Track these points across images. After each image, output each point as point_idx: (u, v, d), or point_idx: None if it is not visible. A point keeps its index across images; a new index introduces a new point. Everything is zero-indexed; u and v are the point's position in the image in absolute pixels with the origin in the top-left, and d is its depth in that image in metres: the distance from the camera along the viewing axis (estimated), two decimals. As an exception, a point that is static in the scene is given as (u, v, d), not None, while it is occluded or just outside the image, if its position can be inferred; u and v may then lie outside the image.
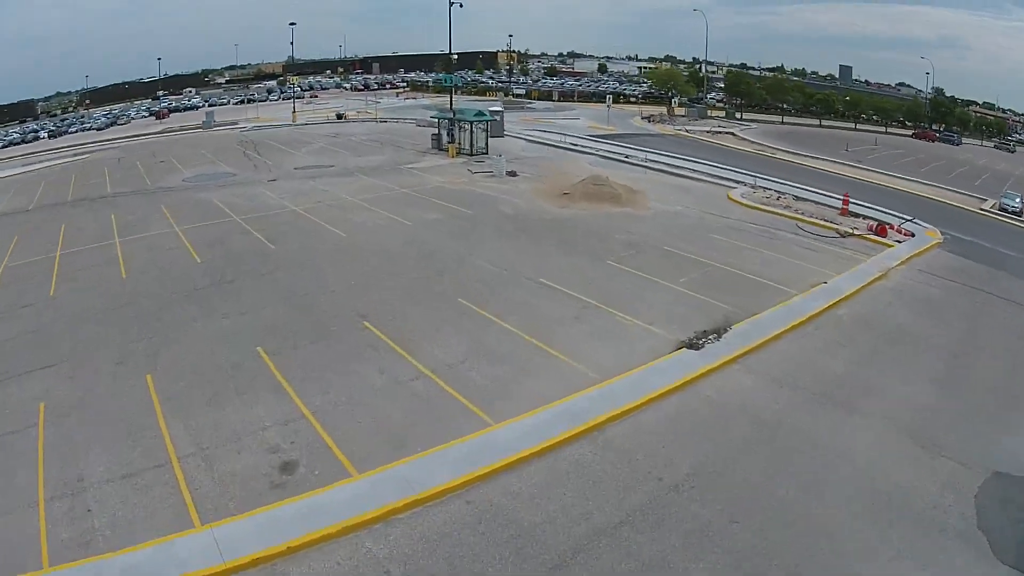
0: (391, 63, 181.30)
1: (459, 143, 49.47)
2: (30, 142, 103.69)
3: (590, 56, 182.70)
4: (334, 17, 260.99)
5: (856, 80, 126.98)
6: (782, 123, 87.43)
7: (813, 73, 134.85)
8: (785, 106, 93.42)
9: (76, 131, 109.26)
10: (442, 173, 43.19)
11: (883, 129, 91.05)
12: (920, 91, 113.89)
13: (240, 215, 33.29)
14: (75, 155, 68.65)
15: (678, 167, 45.69)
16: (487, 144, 49.41)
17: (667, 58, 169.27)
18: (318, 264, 24.93)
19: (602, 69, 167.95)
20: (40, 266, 27.18)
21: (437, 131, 52.52)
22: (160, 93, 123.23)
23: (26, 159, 73.58)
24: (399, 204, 34.44)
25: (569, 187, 36.62)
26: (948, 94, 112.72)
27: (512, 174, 41.63)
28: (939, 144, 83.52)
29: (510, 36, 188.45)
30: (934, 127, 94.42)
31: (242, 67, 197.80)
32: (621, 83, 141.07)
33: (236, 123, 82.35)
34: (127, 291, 23.10)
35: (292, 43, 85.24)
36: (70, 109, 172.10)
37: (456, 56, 66.22)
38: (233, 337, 18.83)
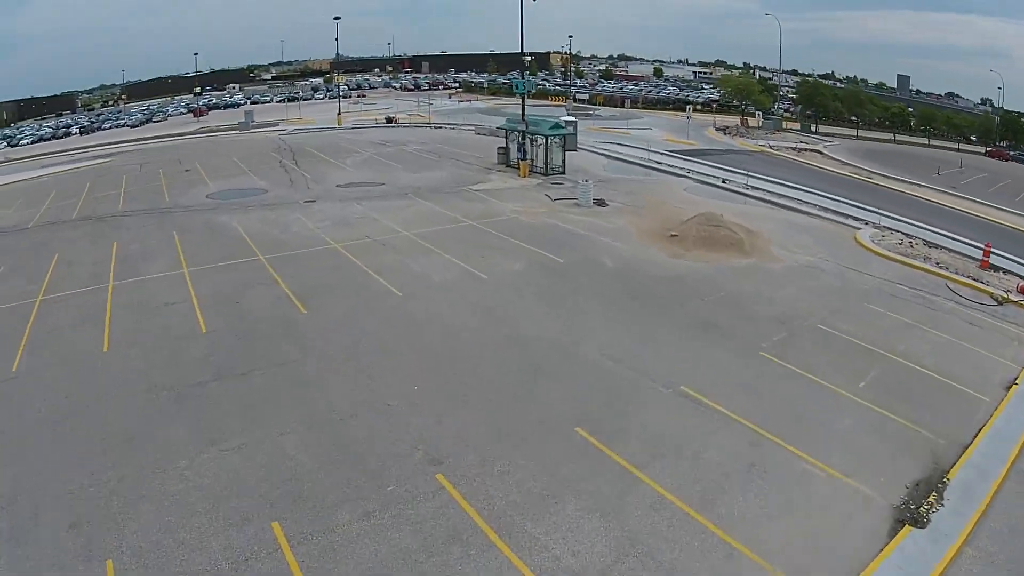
0: (441, 62, 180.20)
1: (531, 159, 42.91)
2: (61, 138, 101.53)
3: (640, 59, 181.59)
4: (382, 14, 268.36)
5: (910, 91, 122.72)
6: (857, 137, 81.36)
7: (863, 81, 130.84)
8: (855, 119, 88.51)
9: (110, 127, 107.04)
10: (515, 199, 36.58)
11: (956, 146, 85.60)
12: (977, 103, 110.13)
13: (267, 252, 27.26)
14: (98, 157, 64.82)
15: (784, 196, 39.13)
16: (564, 162, 42.89)
17: (718, 62, 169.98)
18: (365, 349, 18.44)
19: (658, 73, 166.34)
20: (13, 317, 21.98)
21: (505, 144, 45.96)
22: (197, 89, 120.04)
23: (51, 158, 70.57)
24: (468, 244, 27.94)
25: (677, 226, 29.82)
26: (996, 105, 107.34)
27: (600, 203, 34.90)
28: (1014, 164, 76.66)
29: (570, 37, 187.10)
30: (1003, 144, 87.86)
31: (288, 63, 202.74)
32: (681, 88, 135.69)
33: (277, 124, 77.95)
34: (99, 381, 16.98)
35: (337, 39, 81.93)
36: (110, 103, 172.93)
37: (531, 57, 60.06)
38: (234, 497, 12.37)
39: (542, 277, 24.15)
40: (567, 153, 43.72)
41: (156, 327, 20.26)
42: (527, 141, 43.20)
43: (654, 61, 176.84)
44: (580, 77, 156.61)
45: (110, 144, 76.49)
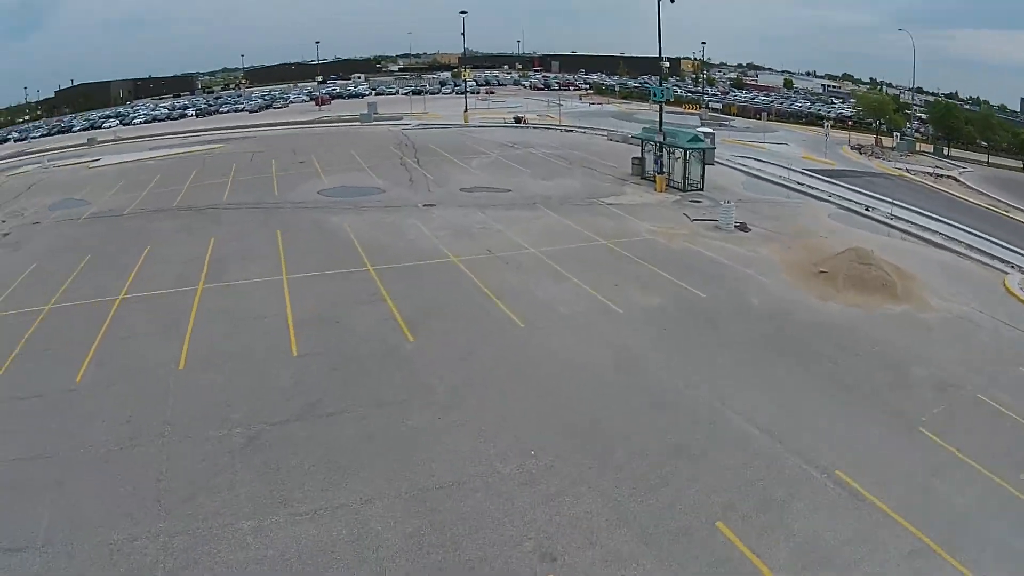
0: (571, 62, 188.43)
1: (668, 173, 42.19)
2: (175, 119, 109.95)
3: (769, 69, 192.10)
4: (513, 11, 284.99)
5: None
6: (988, 163, 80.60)
7: (984, 102, 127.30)
8: (985, 144, 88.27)
9: (227, 111, 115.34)
10: (652, 217, 34.80)
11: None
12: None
13: (377, 262, 26.80)
14: (210, 142, 69.27)
15: (928, 230, 37.51)
16: (703, 177, 42.32)
17: (844, 76, 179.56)
18: (478, 395, 17.02)
19: (788, 85, 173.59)
20: (89, 318, 22.76)
21: (641, 155, 45.62)
22: (319, 77, 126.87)
23: (162, 140, 75.75)
24: (600, 268, 26.34)
25: (826, 261, 27.93)
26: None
27: (742, 227, 33.07)
28: None
29: (703, 43, 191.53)
30: None
31: (416, 56, 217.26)
32: (811, 102, 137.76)
33: (401, 118, 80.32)
34: (168, 406, 16.66)
35: (463, 34, 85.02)
36: (231, 86, 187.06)
37: (667, 63, 58.29)
38: (301, 577, 11.18)
39: (683, 316, 22.14)
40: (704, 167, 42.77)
41: (241, 345, 19.96)
42: (665, 153, 42.33)
43: (782, 72, 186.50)
44: (711, 85, 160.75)
45: (225, 129, 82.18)
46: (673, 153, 42.38)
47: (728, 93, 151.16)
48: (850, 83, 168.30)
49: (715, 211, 35.00)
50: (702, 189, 41.50)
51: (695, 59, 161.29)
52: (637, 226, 32.90)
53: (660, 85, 49.91)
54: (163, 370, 18.57)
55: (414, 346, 19.57)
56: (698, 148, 42.44)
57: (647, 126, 49.34)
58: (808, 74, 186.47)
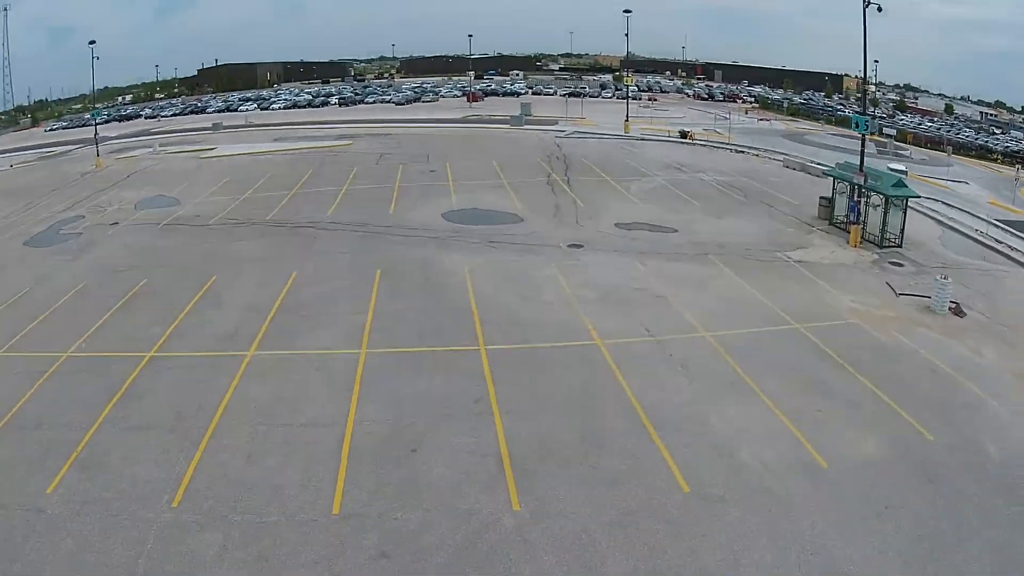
0: (733, 72, 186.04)
1: (863, 221, 34.89)
2: (317, 107, 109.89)
3: (926, 92, 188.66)
4: (677, 16, 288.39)
5: None
6: None
7: None
8: None
9: (372, 102, 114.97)
10: (848, 284, 26.95)
11: None
12: None
13: (494, 338, 20.86)
14: (342, 137, 66.74)
15: None
16: (902, 231, 34.89)
17: (997, 103, 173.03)
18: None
19: (948, 110, 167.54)
20: (98, 387, 18.85)
21: (831, 196, 38.06)
22: (471, 72, 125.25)
23: (292, 129, 75.20)
24: (795, 378, 18.86)
25: None
26: None
27: (956, 310, 24.71)
28: None
29: (876, 62, 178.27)
30: None
31: (577, 56, 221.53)
32: (976, 132, 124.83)
33: (555, 122, 75.48)
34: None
35: (627, 34, 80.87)
36: (384, 76, 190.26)
37: (873, 89, 50.41)
38: None
39: (911, 483, 14.43)
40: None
41: (265, 477, 14.42)
42: (863, 199, 34.87)
43: (938, 95, 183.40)
44: (875, 106, 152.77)
45: (363, 122, 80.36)
46: (871, 199, 35.23)
47: (893, 116, 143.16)
48: (1004, 111, 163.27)
49: (921, 281, 27.16)
50: (900, 245, 33.83)
51: (858, 77, 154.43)
52: (834, 300, 25.28)
53: (864, 113, 41.69)
54: (147, 509, 13.46)
55: (516, 523, 13.15)
56: (901, 196, 34.99)
57: (841, 162, 42.44)
58: (964, 99, 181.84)
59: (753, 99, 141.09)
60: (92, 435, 16.44)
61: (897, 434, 16.45)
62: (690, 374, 19.10)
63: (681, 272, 27.62)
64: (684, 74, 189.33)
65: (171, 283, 26.59)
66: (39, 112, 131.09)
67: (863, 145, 38.37)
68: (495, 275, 26.57)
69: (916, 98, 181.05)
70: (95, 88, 70.88)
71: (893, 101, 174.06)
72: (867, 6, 35.67)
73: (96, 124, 66.16)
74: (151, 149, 61.73)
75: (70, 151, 68.99)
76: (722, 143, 65.59)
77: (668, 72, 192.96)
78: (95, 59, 60.85)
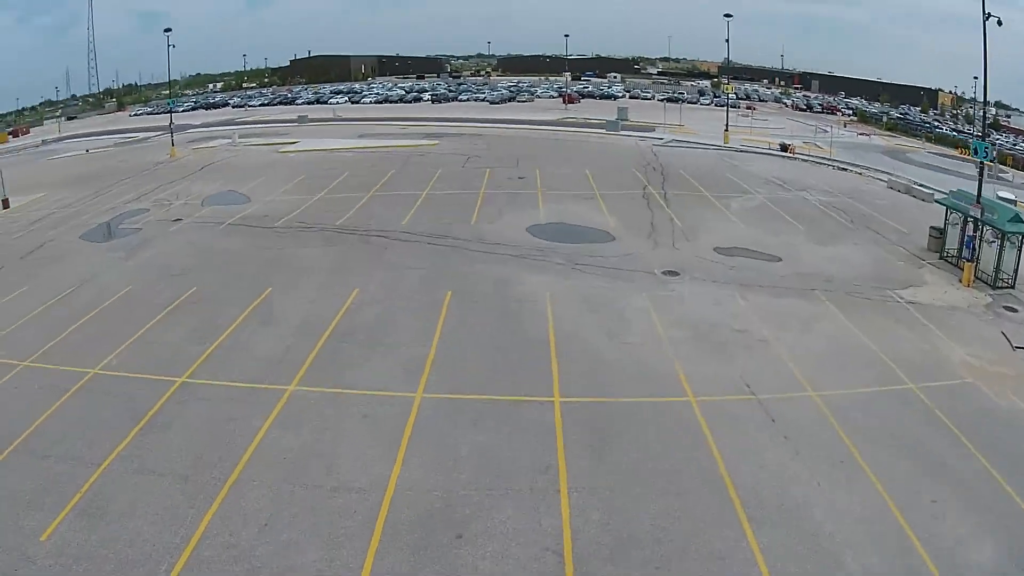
0: (829, 83, 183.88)
1: (976, 256, 31.32)
2: (408, 103, 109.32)
3: (1017, 110, 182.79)
4: (776, 24, 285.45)
5: None
6: None
7: None
8: None
9: (467, 99, 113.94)
10: (961, 332, 23.32)
11: None
12: None
13: (571, 386, 18.34)
14: (428, 136, 65.32)
15: None
16: (1016, 271, 31.47)
17: None
18: None
19: None
20: (121, 413, 17.47)
21: (942, 227, 34.24)
22: (567, 74, 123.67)
23: (379, 125, 74.67)
24: (908, 453, 15.83)
25: None
26: None
27: None
28: None
29: (975, 79, 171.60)
30: None
31: (675, 60, 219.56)
32: None
33: (653, 129, 72.70)
34: None
35: (728, 40, 79.61)
36: (481, 73, 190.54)
37: (970, 107, 46.49)
38: None
39: None
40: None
41: (277, 562, 12.22)
42: (978, 233, 31.31)
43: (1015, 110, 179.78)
44: (969, 123, 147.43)
45: (454, 121, 79.05)
46: (987, 233, 31.72)
47: (989, 136, 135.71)
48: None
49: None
50: (1013, 286, 30.15)
51: (952, 93, 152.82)
52: (948, 350, 21.81)
53: (984, 139, 37.72)
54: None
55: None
56: (1019, 232, 31.42)
57: (954, 190, 38.58)
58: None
59: (851, 112, 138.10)
60: (100, 474, 15.01)
61: (1019, 537, 13.41)
62: (794, 446, 16.17)
63: (785, 310, 24.60)
64: (783, 83, 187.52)
65: (223, 292, 25.13)
66: (127, 96, 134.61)
67: (981, 174, 34.74)
68: (579, 304, 24.00)
69: (1008, 116, 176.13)
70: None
71: (989, 121, 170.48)
72: (987, 19, 32.26)
73: (172, 112, 66.26)
74: (230, 140, 61.75)
75: (149, 138, 69.73)
76: (823, 158, 61.93)
77: (765, 80, 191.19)
78: (171, 47, 61.33)
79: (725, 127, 70.88)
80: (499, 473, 14.76)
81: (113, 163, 54.66)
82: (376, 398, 17.65)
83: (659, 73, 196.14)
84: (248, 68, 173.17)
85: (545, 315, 22.94)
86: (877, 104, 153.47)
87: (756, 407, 17.82)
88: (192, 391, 18.19)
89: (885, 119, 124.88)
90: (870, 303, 25.80)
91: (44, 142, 79.54)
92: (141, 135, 71.81)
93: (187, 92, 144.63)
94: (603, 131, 70.54)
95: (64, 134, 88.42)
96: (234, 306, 23.55)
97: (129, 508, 13.73)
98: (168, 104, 71.20)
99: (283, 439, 15.92)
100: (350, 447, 15.60)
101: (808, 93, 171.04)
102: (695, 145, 64.26)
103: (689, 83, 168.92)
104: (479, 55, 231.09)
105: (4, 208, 42.38)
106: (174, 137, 59.45)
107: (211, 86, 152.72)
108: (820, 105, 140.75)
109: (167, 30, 60.90)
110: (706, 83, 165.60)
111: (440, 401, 17.53)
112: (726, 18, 75.34)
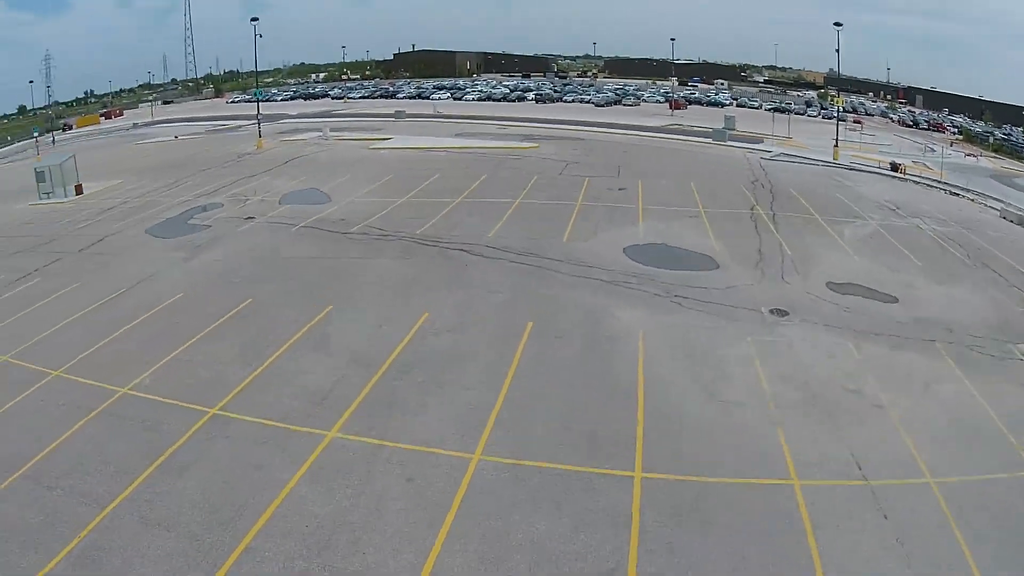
0: (933, 99, 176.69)
1: None
2: (513, 102, 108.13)
3: None
4: (885, 37, 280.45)
5: None
6: None
7: None
8: None
9: (571, 101, 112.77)
10: None
11: None
12: None
13: (654, 456, 15.73)
14: (528, 138, 63.82)
15: None
16: None
17: None
18: None
19: None
20: (138, 448, 16.10)
21: None
22: (673, 79, 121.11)
23: (478, 124, 74.04)
24: None
25: None
26: None
27: None
28: None
29: None
30: None
31: (781, 69, 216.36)
32: None
33: (760, 140, 69.64)
34: None
35: (838, 50, 77.90)
36: (588, 74, 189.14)
37: None
38: None
39: None
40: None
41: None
42: None
43: None
44: None
45: (557, 123, 77.15)
46: None
47: None
48: None
49: None
50: None
51: None
52: None
53: None
54: None
55: None
56: None
57: None
58: None
59: (957, 130, 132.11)
60: (104, 517, 13.62)
61: None
62: (907, 552, 13.18)
63: (903, 366, 21.33)
64: (888, 97, 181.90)
65: (280, 306, 23.51)
66: (226, 83, 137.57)
67: None
68: (676, 348, 21.28)
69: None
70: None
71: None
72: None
73: (260, 102, 66.25)
74: (320, 133, 61.19)
75: (242, 127, 69.75)
76: (933, 180, 57.50)
77: (870, 93, 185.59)
78: (258, 36, 61.73)
79: (835, 142, 67.20)
80: (557, 573, 12.40)
81: (198, 152, 54.68)
82: (426, 457, 15.40)
83: (765, 81, 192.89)
84: (347, 60, 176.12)
85: (635, 359, 20.32)
86: (980, 123, 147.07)
87: (868, 497, 14.86)
88: (222, 426, 16.44)
89: (991, 139, 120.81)
90: (992, 361, 22.28)
91: (135, 125, 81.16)
92: (234, 123, 72.23)
93: (288, 81, 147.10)
94: (709, 140, 67.55)
95: (157, 118, 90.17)
96: (289, 324, 21.88)
97: (125, 566, 12.12)
98: (255, 94, 71.45)
99: (311, 500, 13.86)
100: (385, 520, 13.36)
101: (913, 108, 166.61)
102: (804, 160, 60.72)
103: (795, 93, 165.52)
104: (586, 56, 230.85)
105: (77, 194, 42.33)
106: (264, 128, 59.21)
107: (313, 76, 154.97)
108: (926, 122, 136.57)
109: (254, 19, 61.04)
110: (812, 94, 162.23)
111: (499, 467, 15.13)
112: (836, 27, 72.91)
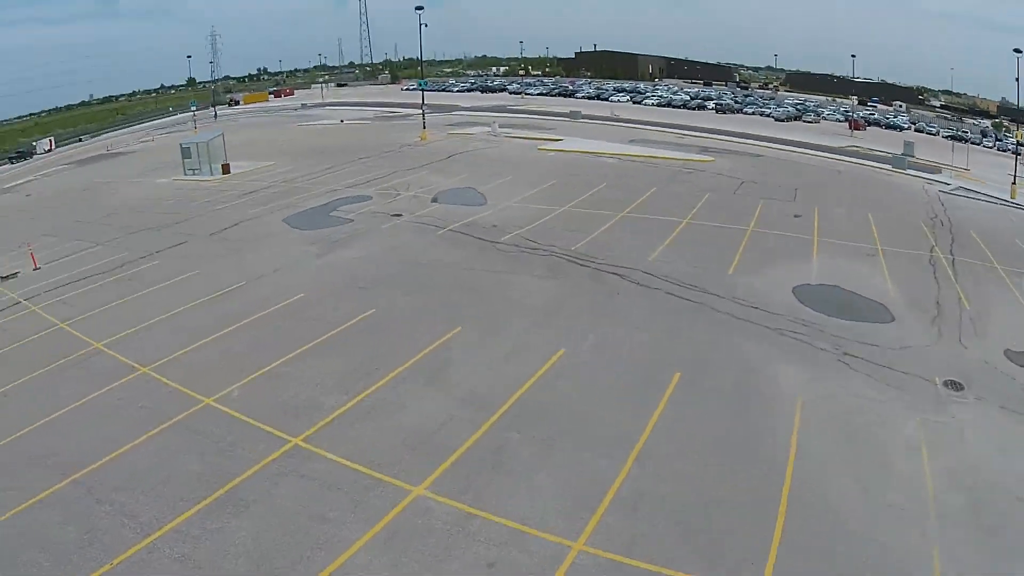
0: None
1: None
2: (693, 110, 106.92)
3: None
4: None
5: None
6: None
7: None
8: None
9: (751, 113, 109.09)
10: None
11: None
12: None
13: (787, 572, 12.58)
14: (705, 150, 60.07)
15: None
16: None
17: None
18: None
19: None
20: (194, 480, 14.68)
21: None
22: (853, 98, 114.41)
23: (653, 131, 70.72)
24: None
25: None
26: None
27: None
28: None
29: None
30: None
31: (956, 95, 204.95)
32: None
33: (939, 171, 63.38)
34: None
35: (1018, 79, 71.27)
36: (769, 86, 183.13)
37: None
38: None
39: None
40: None
41: None
42: None
43: None
44: None
45: (736, 136, 72.98)
46: None
47: None
48: None
49: None
50: None
51: None
52: None
53: None
54: None
55: None
56: None
57: None
58: None
59: None
60: (143, 548, 12.41)
61: None
62: None
63: None
64: None
65: (402, 322, 21.69)
66: (404, 70, 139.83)
67: None
68: (834, 426, 17.61)
69: None
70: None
71: None
72: None
73: (424, 90, 65.63)
74: (489, 129, 60.06)
75: (410, 115, 69.40)
76: None
77: None
78: (423, 25, 60.84)
79: (1012, 179, 60.37)
80: None
81: (360, 138, 54.51)
82: (520, 537, 12.77)
83: (941, 106, 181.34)
84: (524, 55, 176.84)
85: (788, 438, 16.87)
86: None
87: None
88: (300, 461, 14.62)
89: None
90: None
91: (303, 106, 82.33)
92: (405, 111, 72.09)
93: (468, 72, 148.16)
94: (888, 167, 62.07)
95: (326, 100, 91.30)
96: (407, 344, 19.98)
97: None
98: (420, 84, 70.93)
99: (372, 572, 11.71)
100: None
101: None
102: (983, 197, 54.44)
103: (971, 121, 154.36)
104: (768, 67, 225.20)
105: (223, 173, 42.26)
106: (435, 119, 58.54)
107: (493, 70, 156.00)
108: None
109: (419, 8, 60.30)
110: (987, 123, 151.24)
111: (600, 564, 12.30)
112: (1016, 53, 66.87)
